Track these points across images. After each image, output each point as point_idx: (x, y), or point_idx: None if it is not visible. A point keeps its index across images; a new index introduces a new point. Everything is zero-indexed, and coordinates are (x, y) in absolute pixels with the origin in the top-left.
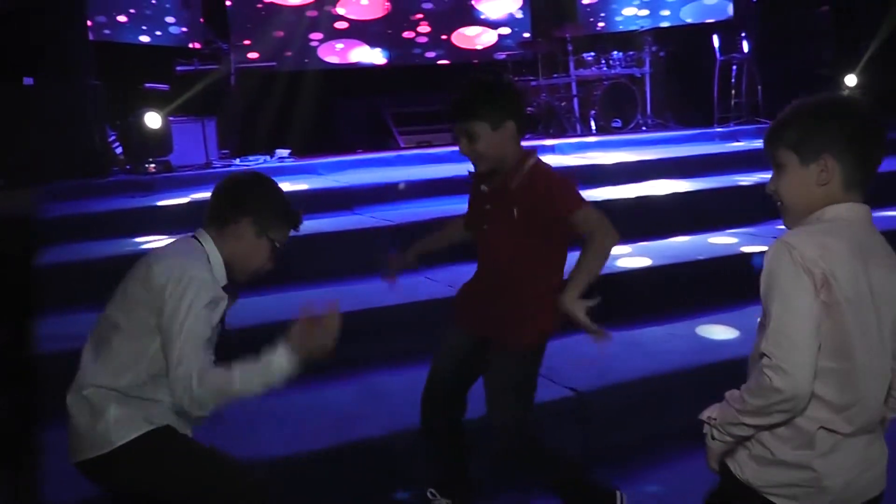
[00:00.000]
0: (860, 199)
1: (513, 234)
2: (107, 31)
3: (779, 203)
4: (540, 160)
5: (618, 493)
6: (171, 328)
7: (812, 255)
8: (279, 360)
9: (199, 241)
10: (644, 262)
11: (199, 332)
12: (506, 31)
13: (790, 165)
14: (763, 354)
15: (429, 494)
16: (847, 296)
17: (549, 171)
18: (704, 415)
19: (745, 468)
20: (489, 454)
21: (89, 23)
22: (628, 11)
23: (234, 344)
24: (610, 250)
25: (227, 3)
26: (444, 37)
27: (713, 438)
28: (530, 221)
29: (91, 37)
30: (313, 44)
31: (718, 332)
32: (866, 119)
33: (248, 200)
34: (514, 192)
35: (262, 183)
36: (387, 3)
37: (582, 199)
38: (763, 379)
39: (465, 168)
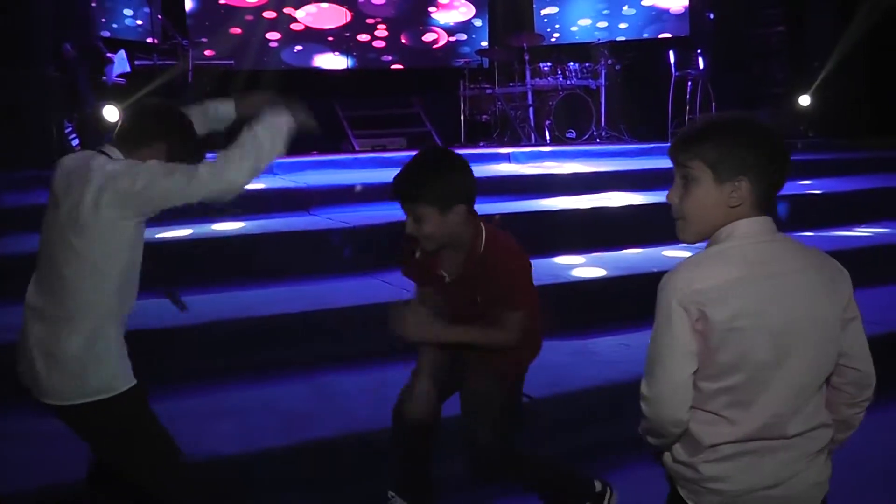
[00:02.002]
0: (764, 214)
1: (478, 315)
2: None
3: (678, 217)
4: (491, 231)
5: (596, 483)
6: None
7: (692, 291)
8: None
9: (109, 156)
10: (598, 272)
11: (166, 173)
12: (463, 38)
13: (704, 181)
14: None
15: (388, 495)
16: (735, 322)
17: (502, 251)
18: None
19: (682, 492)
20: (470, 468)
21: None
22: (585, 23)
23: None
24: (499, 345)
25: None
26: (401, 42)
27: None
28: (488, 304)
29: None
30: (272, 44)
31: None
32: (779, 144)
33: (168, 127)
34: (475, 279)
35: (183, 117)
36: (347, 11)
37: (526, 302)
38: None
39: None
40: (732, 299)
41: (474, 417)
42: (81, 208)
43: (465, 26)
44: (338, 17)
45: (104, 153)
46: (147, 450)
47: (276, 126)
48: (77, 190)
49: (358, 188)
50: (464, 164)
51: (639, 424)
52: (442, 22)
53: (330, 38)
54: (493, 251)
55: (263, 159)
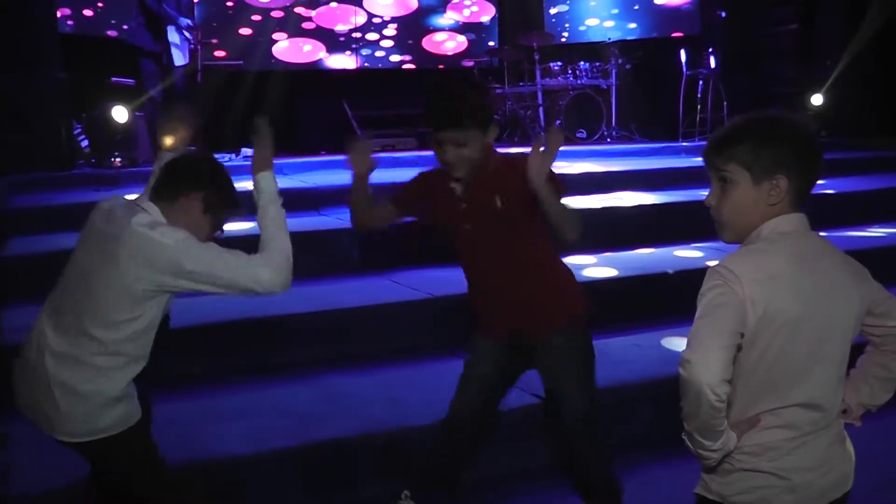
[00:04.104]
0: (799, 211)
1: (499, 223)
2: (70, 23)
3: (717, 219)
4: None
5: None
6: (209, 277)
7: (747, 284)
8: (267, 186)
9: (148, 213)
10: (610, 272)
11: (220, 258)
12: (473, 38)
13: (741, 183)
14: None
15: (403, 495)
16: (787, 316)
17: (515, 155)
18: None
19: (711, 484)
20: (566, 440)
21: (59, 13)
22: (595, 22)
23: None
24: (572, 217)
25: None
26: (410, 41)
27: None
28: (514, 206)
29: (59, 28)
30: (280, 44)
31: (683, 344)
32: (812, 139)
33: (205, 178)
34: (492, 182)
35: (217, 166)
36: (357, 11)
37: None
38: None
39: None
40: (783, 292)
41: (559, 382)
42: (111, 267)
43: (475, 26)
44: (348, 16)
45: (142, 208)
46: (150, 477)
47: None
48: (112, 245)
49: None
50: (484, 82)
51: (649, 425)
52: (452, 21)
53: (339, 39)
54: (507, 156)
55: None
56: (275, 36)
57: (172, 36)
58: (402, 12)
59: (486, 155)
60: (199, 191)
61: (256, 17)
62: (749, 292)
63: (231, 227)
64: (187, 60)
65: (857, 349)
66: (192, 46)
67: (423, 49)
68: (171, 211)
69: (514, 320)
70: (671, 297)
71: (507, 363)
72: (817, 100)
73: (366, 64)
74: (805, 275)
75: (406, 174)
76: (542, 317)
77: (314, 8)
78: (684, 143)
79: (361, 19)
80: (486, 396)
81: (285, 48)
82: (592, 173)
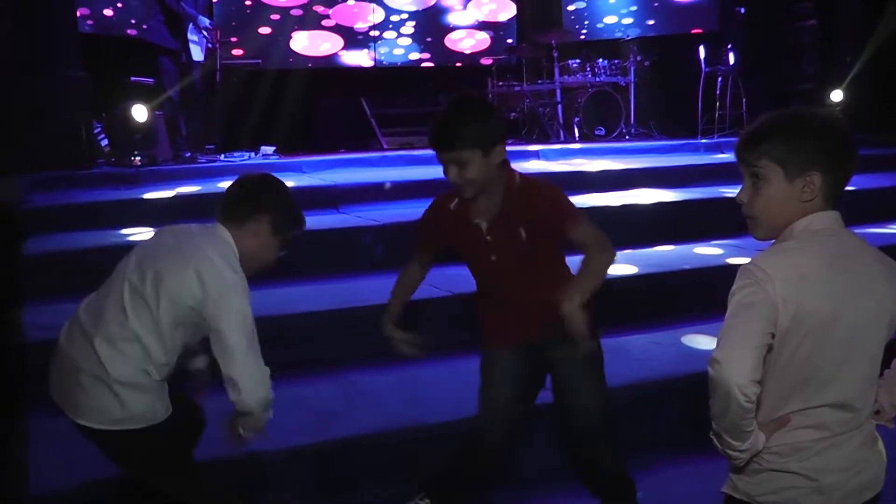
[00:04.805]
0: (832, 208)
1: (524, 254)
2: (89, 23)
3: (748, 216)
4: (520, 173)
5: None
6: (229, 337)
7: (779, 284)
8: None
9: (224, 238)
10: (630, 269)
11: (252, 334)
12: (492, 35)
13: (774, 179)
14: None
15: (417, 500)
16: (818, 316)
17: (538, 183)
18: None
19: (739, 483)
20: (577, 443)
21: (78, 13)
22: (614, 19)
23: None
24: (609, 264)
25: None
26: (429, 39)
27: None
28: (537, 237)
29: (79, 28)
30: (299, 43)
31: (704, 342)
32: (846, 134)
33: (271, 201)
34: (516, 214)
35: (280, 185)
36: (375, 8)
37: (579, 213)
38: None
39: None
40: (815, 292)
41: (578, 384)
42: (170, 282)
43: (493, 23)
44: (366, 13)
45: (220, 236)
46: (175, 476)
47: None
48: (179, 262)
49: (387, 186)
50: (493, 105)
51: (671, 423)
52: (471, 19)
53: (359, 37)
54: (531, 182)
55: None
56: (293, 34)
57: (192, 35)
58: (419, 7)
59: (506, 179)
60: (267, 213)
61: (275, 16)
62: (781, 292)
63: None
64: (204, 58)
65: (891, 349)
66: (211, 45)
67: (442, 46)
68: (241, 234)
69: (530, 328)
70: (691, 295)
71: (528, 369)
72: (837, 96)
73: (384, 62)
74: (838, 274)
75: (425, 171)
76: (558, 324)
77: (331, 6)
78: (703, 140)
79: (379, 17)
80: (515, 409)
81: (304, 47)
82: (611, 171)
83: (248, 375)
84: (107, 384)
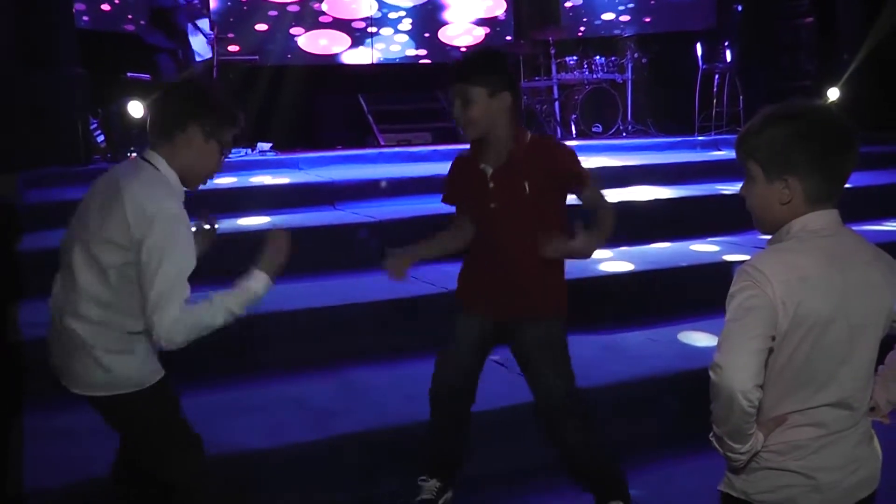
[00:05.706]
0: (829, 207)
1: (524, 207)
2: (85, 18)
3: (749, 210)
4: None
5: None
6: (149, 270)
7: (778, 285)
8: (255, 285)
9: (153, 164)
10: (626, 266)
11: (181, 269)
12: (489, 32)
13: (758, 179)
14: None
15: (419, 481)
16: (817, 317)
17: (552, 139)
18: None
19: (736, 481)
20: (547, 426)
21: (74, 8)
22: (611, 16)
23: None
24: (614, 224)
25: None
26: (426, 35)
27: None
28: (541, 192)
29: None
30: (296, 39)
31: (699, 339)
32: (837, 133)
33: (192, 106)
34: (522, 165)
35: (201, 88)
36: (372, 4)
37: (591, 171)
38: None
39: (445, 168)
40: (813, 292)
41: (541, 369)
42: (105, 232)
43: (490, 20)
44: (363, 10)
45: (147, 161)
46: (171, 441)
47: (245, 299)
48: (105, 208)
49: (383, 183)
50: (507, 57)
51: (667, 420)
52: (467, 16)
53: (356, 33)
54: (546, 138)
55: (212, 329)
56: (290, 31)
57: (192, 35)
58: (416, 2)
59: (516, 133)
60: (192, 119)
61: (273, 13)
62: (780, 294)
63: (244, 221)
64: (208, 55)
65: (885, 345)
66: (210, 41)
67: (439, 43)
68: (174, 150)
69: (504, 301)
70: (688, 292)
71: (488, 341)
72: (834, 93)
73: (381, 58)
74: (836, 274)
75: (422, 168)
76: (530, 305)
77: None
78: (700, 138)
79: (374, 9)
80: (463, 372)
81: (301, 43)
82: (608, 167)
83: (171, 320)
84: (87, 352)
